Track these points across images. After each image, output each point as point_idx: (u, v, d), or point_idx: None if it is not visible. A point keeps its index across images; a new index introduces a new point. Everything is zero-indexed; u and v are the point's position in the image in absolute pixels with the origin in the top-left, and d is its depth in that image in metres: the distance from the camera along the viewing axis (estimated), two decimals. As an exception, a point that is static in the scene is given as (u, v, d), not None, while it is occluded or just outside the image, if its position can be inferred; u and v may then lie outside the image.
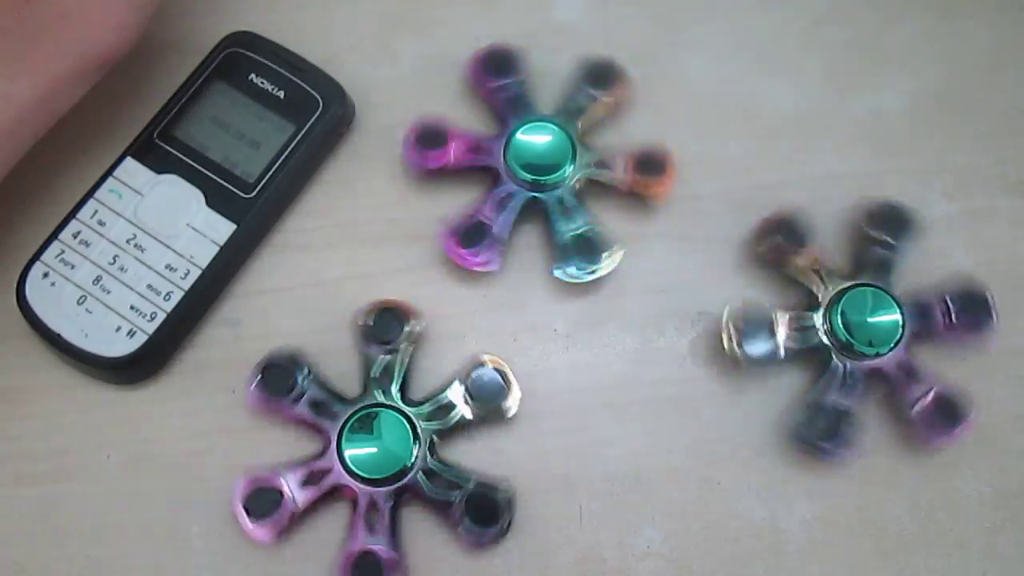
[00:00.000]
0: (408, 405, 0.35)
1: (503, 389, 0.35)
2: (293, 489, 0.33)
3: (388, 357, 0.35)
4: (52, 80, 0.32)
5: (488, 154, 0.38)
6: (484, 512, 0.33)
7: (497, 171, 0.38)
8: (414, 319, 0.36)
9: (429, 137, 0.38)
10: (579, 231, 0.37)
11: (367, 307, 0.36)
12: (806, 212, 0.38)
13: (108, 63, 0.34)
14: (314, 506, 0.34)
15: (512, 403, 0.35)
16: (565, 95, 0.39)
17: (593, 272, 0.37)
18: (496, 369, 0.35)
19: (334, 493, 0.34)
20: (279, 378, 0.35)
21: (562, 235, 0.37)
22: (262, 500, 0.33)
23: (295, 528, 0.34)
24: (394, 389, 0.35)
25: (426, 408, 0.35)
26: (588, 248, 0.37)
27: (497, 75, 0.39)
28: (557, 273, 0.37)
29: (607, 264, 0.37)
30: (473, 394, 0.35)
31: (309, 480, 0.34)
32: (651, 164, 0.38)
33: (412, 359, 0.36)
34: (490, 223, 0.37)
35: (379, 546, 0.33)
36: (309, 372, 0.35)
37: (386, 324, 0.35)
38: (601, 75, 0.39)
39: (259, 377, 0.34)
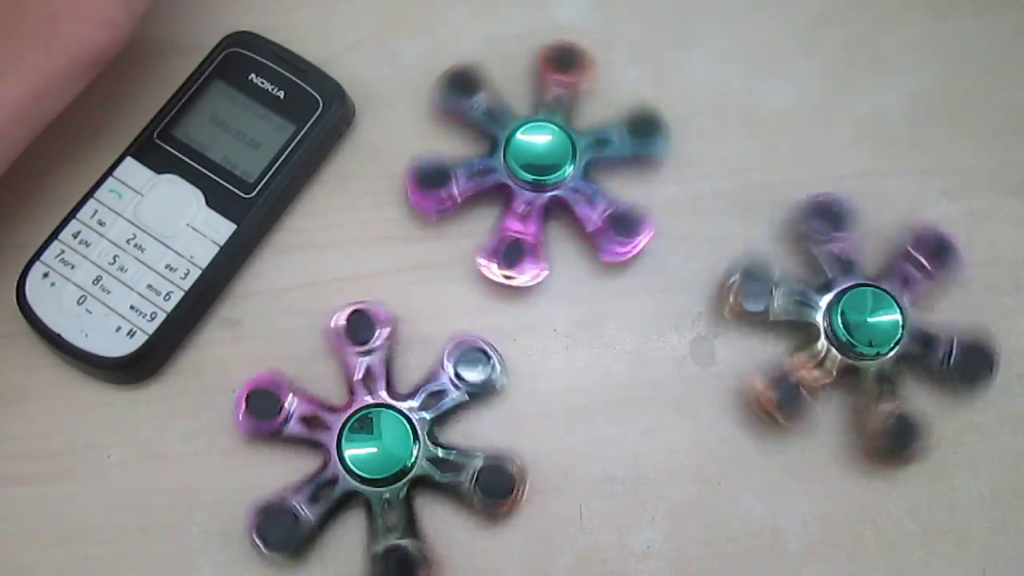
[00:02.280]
0: (398, 400, 0.35)
1: (489, 367, 0.35)
2: (304, 507, 0.33)
3: (368, 358, 0.35)
4: (44, 80, 0.32)
5: (491, 172, 0.38)
6: (496, 485, 0.34)
7: (506, 185, 0.38)
8: (386, 319, 0.36)
9: (429, 177, 0.38)
10: (608, 212, 0.37)
11: (337, 312, 0.36)
12: (850, 201, 0.38)
13: (100, 62, 0.34)
14: (328, 517, 0.34)
15: (499, 374, 0.35)
16: (536, 91, 0.39)
17: (637, 245, 0.37)
18: (477, 348, 0.35)
19: (345, 501, 0.34)
20: (266, 402, 0.34)
21: (592, 221, 0.37)
22: (276, 526, 0.33)
23: (314, 544, 0.34)
24: (381, 389, 0.35)
25: (418, 398, 0.35)
26: (623, 224, 0.37)
27: (465, 95, 0.39)
28: (606, 257, 0.37)
29: (524, 277, 0.37)
30: (460, 377, 0.35)
31: (317, 495, 0.34)
32: (644, 124, 0.39)
33: (392, 356, 0.36)
34: (523, 236, 0.37)
35: (404, 540, 0.33)
36: (293, 392, 0.35)
37: (359, 326, 0.35)
38: (562, 59, 0.40)
39: (244, 406, 0.34)
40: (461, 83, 0.39)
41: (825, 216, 0.38)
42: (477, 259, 0.37)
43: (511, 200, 0.38)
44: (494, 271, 0.37)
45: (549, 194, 0.38)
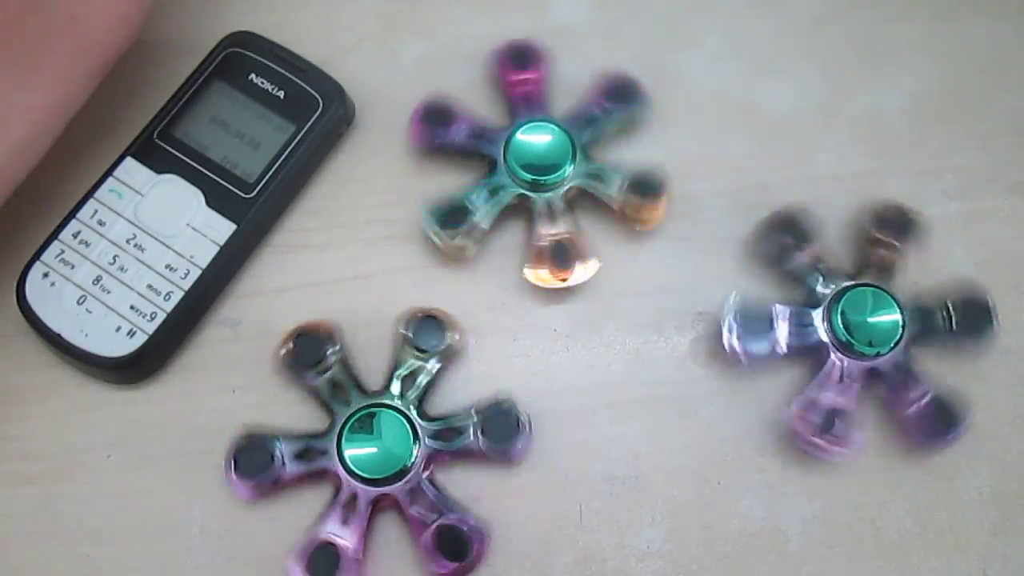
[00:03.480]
0: (421, 417, 0.35)
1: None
2: (285, 457, 0.33)
3: (417, 363, 0.35)
4: (66, 85, 0.33)
5: (490, 142, 0.38)
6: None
7: (495, 161, 0.38)
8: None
9: (436, 115, 0.38)
10: (558, 237, 0.37)
11: (410, 312, 0.36)
12: (809, 210, 0.38)
13: (114, 60, 0.34)
14: (299, 481, 0.34)
15: (522, 447, 0.35)
16: (580, 102, 0.39)
17: (563, 280, 0.37)
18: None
19: (321, 476, 0.34)
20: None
21: (539, 238, 0.37)
22: (252, 457, 0.33)
23: (275, 495, 0.34)
24: (412, 395, 0.35)
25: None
26: (561, 255, 0.37)
27: (518, 69, 0.39)
28: (526, 274, 0.37)
29: (578, 274, 0.37)
30: (485, 430, 0.34)
31: (302, 455, 0.34)
32: (646, 187, 0.38)
33: (440, 373, 0.36)
34: (474, 210, 0.37)
35: (344, 541, 0.33)
36: (340, 349, 0.35)
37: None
38: (621, 92, 0.39)
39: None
40: (522, 56, 0.40)
41: (789, 231, 0.37)
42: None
43: (488, 176, 0.38)
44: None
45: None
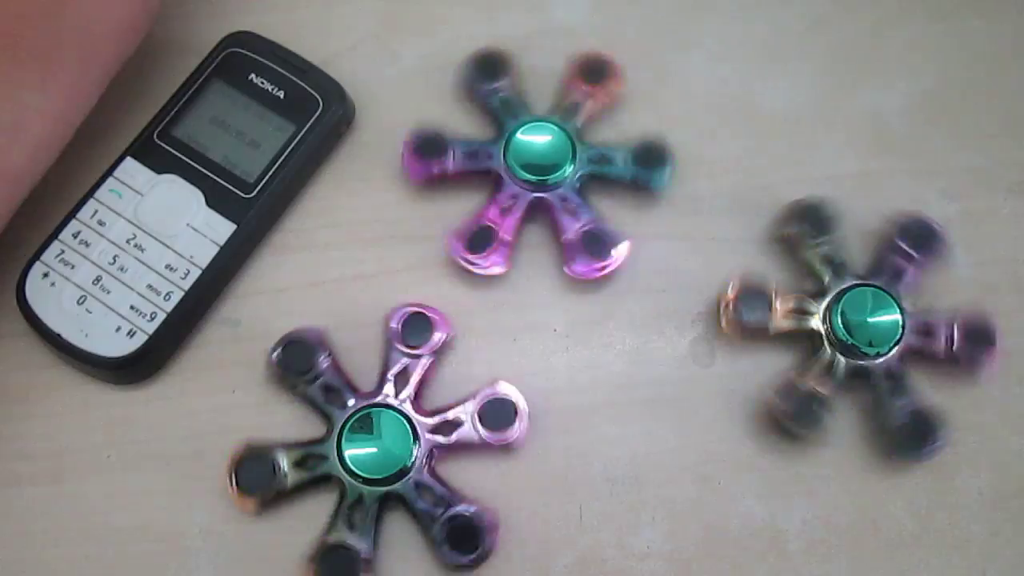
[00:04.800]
0: (418, 413, 0.35)
1: (512, 420, 0.35)
2: (286, 467, 0.33)
3: (408, 361, 0.35)
4: (79, 87, 0.33)
5: (487, 158, 0.38)
6: (464, 537, 0.33)
7: (498, 174, 0.38)
8: (443, 326, 0.36)
9: (427, 146, 0.38)
10: (585, 227, 0.37)
11: (395, 309, 0.36)
12: (832, 202, 0.38)
13: (122, 62, 0.35)
14: (302, 489, 0.34)
15: (519, 434, 0.35)
16: (558, 93, 0.39)
17: (603, 268, 0.37)
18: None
19: (324, 482, 0.34)
20: (299, 354, 0.35)
21: (569, 233, 0.37)
22: (252, 470, 0.33)
23: (278, 505, 0.34)
24: (405, 393, 0.35)
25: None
26: (596, 244, 0.37)
27: (488, 79, 0.39)
28: (568, 270, 0.37)
29: (616, 258, 0.37)
30: (483, 421, 0.35)
31: (302, 462, 0.34)
32: (650, 155, 0.38)
33: (431, 369, 0.36)
34: (496, 227, 0.37)
35: (355, 543, 0.33)
36: (330, 354, 0.35)
37: (413, 329, 0.36)
38: (593, 70, 0.40)
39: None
40: (488, 66, 0.40)
41: (810, 219, 0.38)
42: (446, 238, 0.37)
43: (499, 190, 0.38)
44: (458, 251, 0.37)
45: (536, 194, 0.38)
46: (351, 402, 0.35)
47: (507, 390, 0.35)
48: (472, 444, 0.34)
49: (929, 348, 0.36)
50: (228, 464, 0.34)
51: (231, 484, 0.33)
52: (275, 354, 0.35)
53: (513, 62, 0.40)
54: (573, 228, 0.37)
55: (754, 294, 0.36)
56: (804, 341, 0.37)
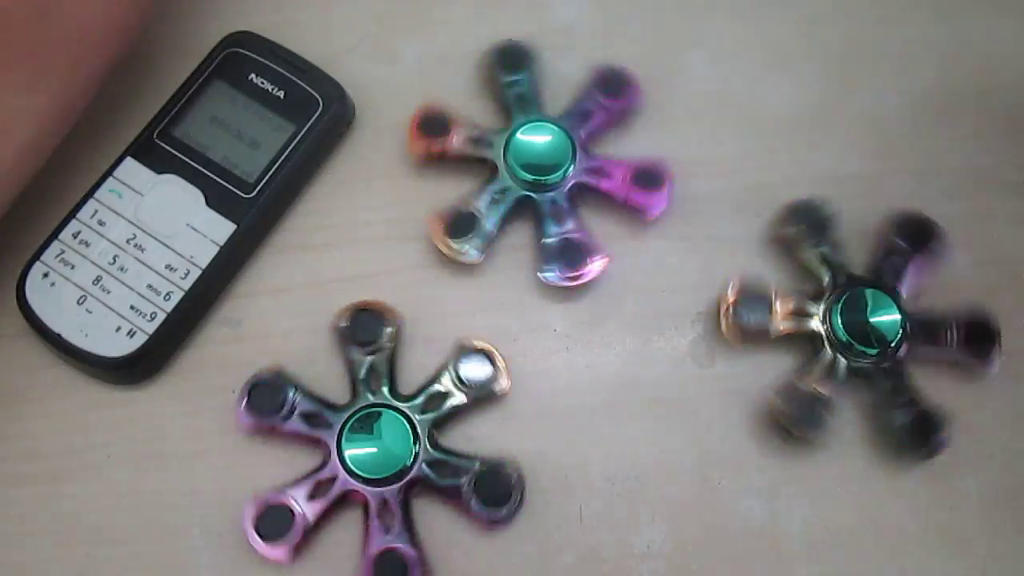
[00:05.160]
0: (400, 401, 0.35)
1: (492, 371, 0.35)
2: (302, 504, 0.33)
3: (372, 358, 0.35)
4: (69, 89, 0.33)
5: (487, 147, 0.38)
6: (494, 491, 0.34)
7: (495, 165, 0.38)
8: (391, 318, 0.36)
9: (432, 123, 0.38)
10: (566, 235, 0.37)
11: (342, 310, 0.36)
12: (830, 204, 0.38)
13: (115, 65, 0.34)
14: (325, 516, 0.34)
15: (502, 382, 0.35)
16: (574, 98, 0.39)
17: (576, 278, 0.37)
18: (482, 351, 0.35)
19: (343, 500, 0.34)
20: (268, 396, 0.34)
21: (549, 238, 0.37)
22: (273, 520, 0.33)
23: (309, 542, 0.34)
24: (384, 389, 0.35)
25: (419, 400, 0.35)
26: (572, 253, 0.37)
27: (509, 71, 0.39)
28: (540, 275, 0.37)
29: (590, 271, 0.37)
30: (463, 380, 0.35)
31: (316, 492, 0.33)
32: (648, 177, 0.38)
33: (396, 356, 0.36)
34: (480, 216, 0.37)
35: (399, 544, 0.33)
36: (296, 388, 0.35)
37: (364, 326, 0.35)
38: (611, 82, 0.39)
39: (247, 398, 0.34)
40: (512, 57, 0.40)
41: (809, 220, 0.37)
42: (428, 217, 0.37)
43: (491, 180, 0.38)
44: (436, 232, 0.37)
45: (527, 192, 0.38)
46: (335, 419, 0.34)
47: (477, 343, 0.35)
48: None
49: (930, 347, 0.36)
50: (248, 523, 0.33)
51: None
52: (242, 405, 0.34)
53: (536, 60, 0.40)
54: (555, 233, 0.37)
55: (754, 297, 0.36)
56: (804, 342, 0.37)
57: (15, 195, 0.33)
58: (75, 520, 0.35)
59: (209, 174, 0.37)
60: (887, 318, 0.36)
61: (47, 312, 0.35)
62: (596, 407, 0.36)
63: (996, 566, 0.35)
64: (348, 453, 0.34)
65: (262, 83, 0.38)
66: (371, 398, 0.35)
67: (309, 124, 0.38)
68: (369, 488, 0.33)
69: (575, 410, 0.36)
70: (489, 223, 0.37)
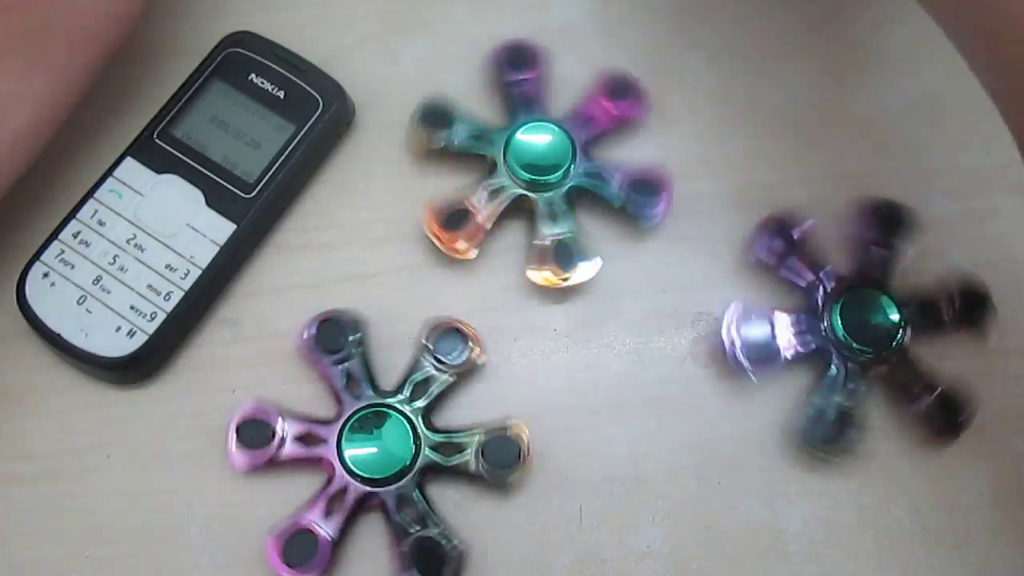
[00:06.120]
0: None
1: (464, 342, 0.35)
2: (321, 523, 0.33)
3: (345, 364, 0.35)
4: (65, 77, 0.33)
5: (490, 143, 0.38)
6: (501, 453, 0.34)
7: (495, 162, 0.38)
8: (353, 323, 0.36)
9: (435, 117, 0.38)
10: (560, 237, 0.37)
11: (305, 327, 0.36)
12: (798, 212, 0.38)
13: (112, 53, 0.34)
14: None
15: (477, 351, 0.35)
16: (578, 101, 0.39)
17: (563, 280, 0.37)
18: (453, 328, 0.36)
19: (360, 507, 0.34)
20: (256, 432, 0.34)
21: (542, 238, 0.37)
22: (298, 548, 0.33)
23: (338, 559, 0.34)
24: (368, 391, 0.35)
25: (405, 391, 0.35)
26: (563, 254, 0.37)
27: (517, 69, 0.39)
28: (530, 274, 0.37)
29: (581, 273, 0.37)
30: (440, 358, 0.35)
31: (332, 508, 0.33)
32: (647, 185, 0.38)
33: (368, 356, 0.36)
34: (475, 211, 0.37)
35: (428, 532, 0.33)
36: (282, 415, 0.35)
37: (329, 335, 0.35)
38: (619, 89, 0.39)
39: (236, 438, 0.34)
40: (520, 56, 0.40)
41: (780, 235, 0.37)
42: (423, 207, 0.37)
43: (489, 176, 0.38)
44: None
45: (524, 192, 0.38)
46: (366, 395, 0.35)
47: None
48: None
49: (931, 326, 0.36)
50: (276, 558, 0.33)
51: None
52: (234, 445, 0.34)
53: (544, 60, 0.40)
54: (548, 234, 0.37)
55: (756, 331, 0.36)
56: (813, 356, 0.36)
57: (11, 182, 0.33)
58: (75, 520, 0.35)
59: (209, 174, 0.37)
60: (885, 313, 0.36)
61: (47, 312, 0.35)
62: (596, 407, 0.36)
63: (996, 566, 0.35)
64: (352, 460, 0.34)
65: (262, 83, 0.38)
66: (358, 403, 0.35)
67: (309, 124, 0.38)
68: (382, 488, 0.33)
69: (575, 410, 0.36)
70: (484, 218, 0.37)
